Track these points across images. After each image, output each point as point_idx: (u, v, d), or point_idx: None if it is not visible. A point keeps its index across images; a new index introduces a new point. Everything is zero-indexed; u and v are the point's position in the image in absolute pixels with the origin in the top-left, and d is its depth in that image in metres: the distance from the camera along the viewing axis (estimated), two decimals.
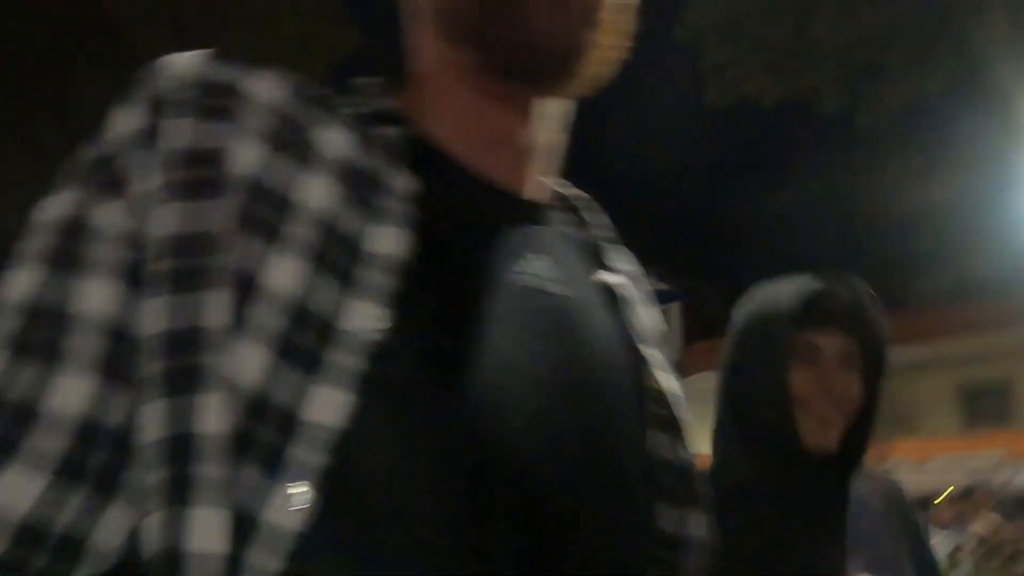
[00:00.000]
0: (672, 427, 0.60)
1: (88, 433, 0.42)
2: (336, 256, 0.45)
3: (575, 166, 0.65)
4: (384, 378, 0.44)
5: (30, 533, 0.40)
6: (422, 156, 0.52)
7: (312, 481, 0.41)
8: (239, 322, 0.42)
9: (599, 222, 0.64)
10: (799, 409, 1.09)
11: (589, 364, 0.54)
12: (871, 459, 1.16)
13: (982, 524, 4.40)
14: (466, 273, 0.51)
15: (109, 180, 0.46)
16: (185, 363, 0.41)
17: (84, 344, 0.43)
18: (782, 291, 1.14)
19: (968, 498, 5.67)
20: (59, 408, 0.41)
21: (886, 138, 8.37)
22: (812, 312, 1.11)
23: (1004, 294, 11.45)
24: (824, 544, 1.10)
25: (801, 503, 1.09)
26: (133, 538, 0.42)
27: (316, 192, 0.47)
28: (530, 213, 0.57)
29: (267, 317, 0.43)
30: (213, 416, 0.41)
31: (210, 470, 0.40)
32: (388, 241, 0.47)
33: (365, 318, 0.44)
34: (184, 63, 0.49)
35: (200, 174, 0.45)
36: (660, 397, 0.60)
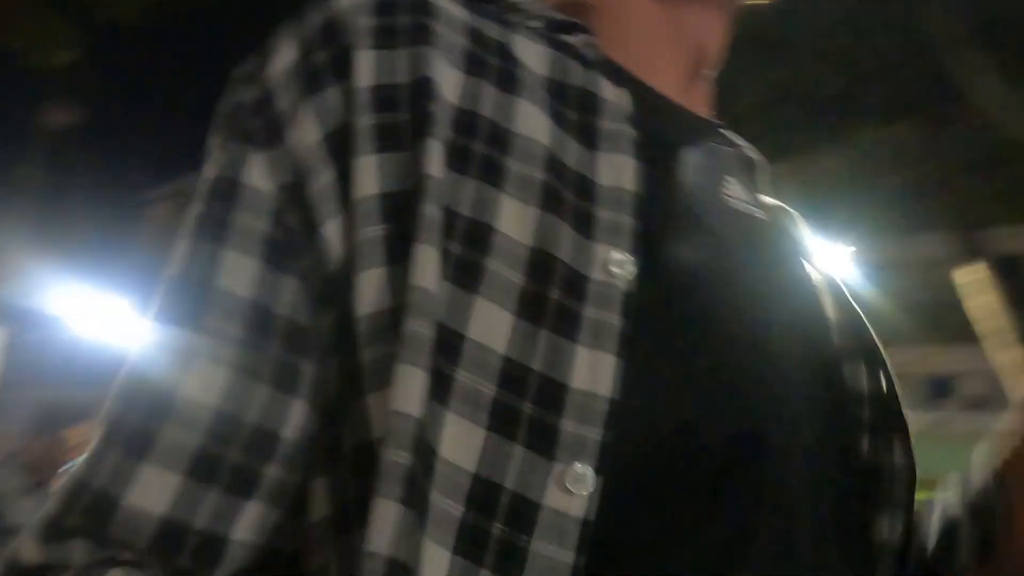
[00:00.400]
0: (875, 355, 0.54)
1: (223, 427, 0.37)
2: (568, 192, 0.39)
3: None
4: (645, 334, 0.38)
5: (171, 530, 0.36)
6: (612, 73, 0.46)
7: (593, 461, 0.35)
8: (469, 280, 0.36)
9: (743, 142, 0.59)
10: None
11: (805, 289, 0.51)
12: None
13: None
14: (694, 201, 0.45)
15: (268, 126, 0.40)
16: (390, 349, 0.35)
17: (226, 329, 0.38)
18: None
19: None
20: (192, 398, 0.37)
21: None
22: None
23: None
24: None
25: None
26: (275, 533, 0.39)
27: (533, 119, 0.40)
28: (713, 134, 0.53)
29: (505, 267, 0.37)
30: (415, 395, 0.34)
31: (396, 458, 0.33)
32: (621, 172, 0.41)
33: (615, 265, 0.38)
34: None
35: (397, 115, 0.39)
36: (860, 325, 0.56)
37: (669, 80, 0.51)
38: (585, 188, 0.40)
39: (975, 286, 6.15)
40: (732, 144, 0.56)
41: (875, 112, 7.60)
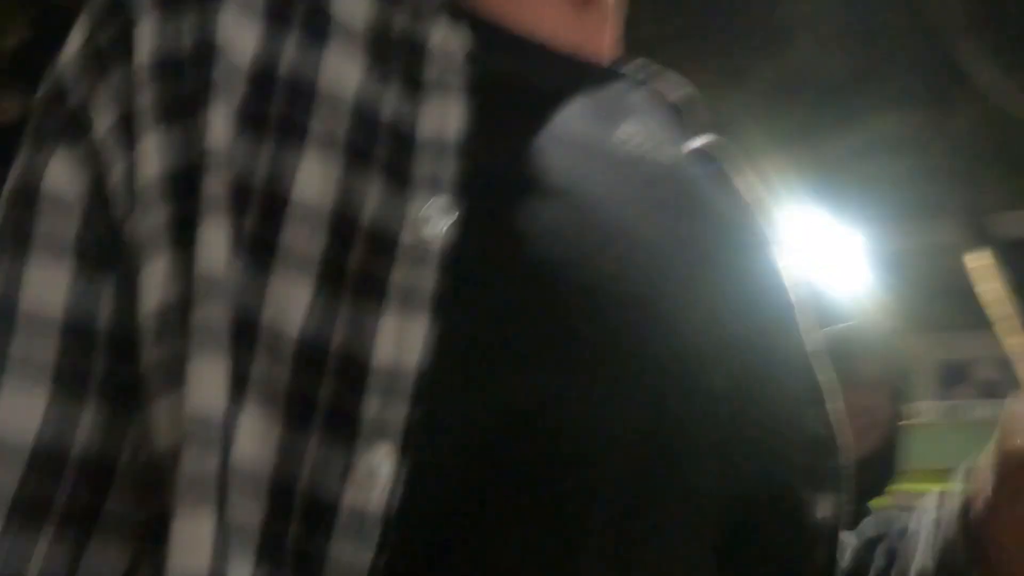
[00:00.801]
0: (795, 319, 0.50)
1: (46, 464, 0.34)
2: (380, 147, 0.37)
3: None
4: (469, 293, 0.34)
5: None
6: (472, 23, 0.44)
7: (396, 444, 0.32)
8: (264, 258, 0.34)
9: (674, 83, 0.55)
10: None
11: (720, 240, 0.46)
12: None
13: None
14: (551, 144, 0.41)
15: (64, 122, 0.37)
16: (178, 346, 0.32)
17: (34, 350, 0.34)
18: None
19: None
20: (5, 437, 0.33)
21: None
22: (850, 344, 1.31)
23: None
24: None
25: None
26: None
27: (341, 72, 0.38)
28: (614, 79, 0.49)
29: (302, 239, 0.34)
30: (211, 393, 0.31)
31: (246, 466, 0.31)
32: (443, 117, 0.38)
33: (429, 220, 0.35)
34: None
35: (179, 86, 0.36)
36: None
37: (554, 22, 0.48)
38: (402, 141, 0.38)
39: (985, 272, 6.15)
40: (640, 83, 0.52)
41: (886, 98, 7.59)
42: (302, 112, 0.37)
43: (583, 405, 0.35)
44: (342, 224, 0.35)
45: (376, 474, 0.32)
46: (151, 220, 0.35)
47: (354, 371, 0.33)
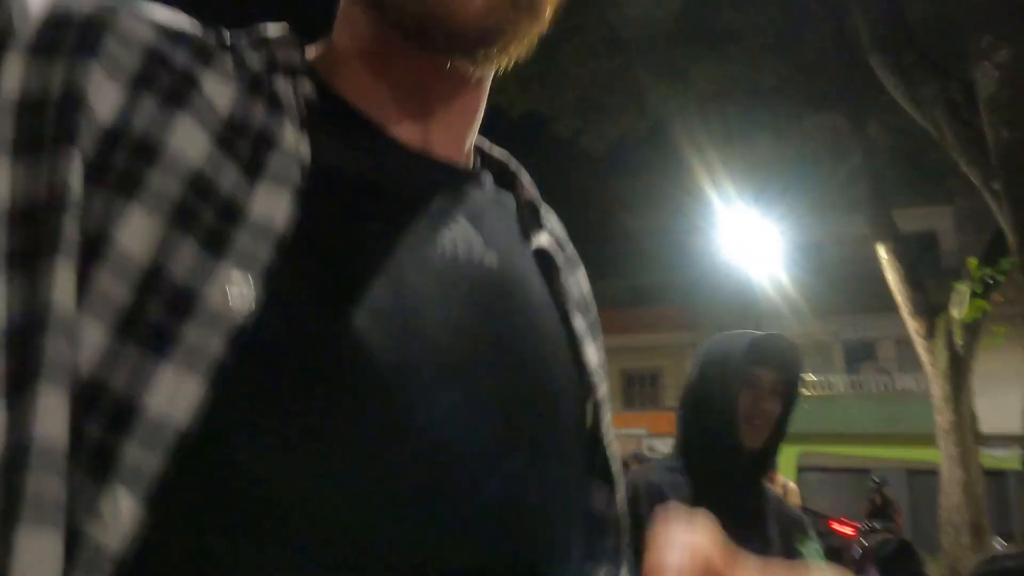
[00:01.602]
0: (593, 403, 0.52)
1: None
2: (206, 215, 0.37)
3: None
4: (256, 368, 0.36)
5: None
6: (330, 115, 0.45)
7: (142, 491, 0.33)
8: (81, 295, 0.34)
9: (527, 182, 0.57)
10: (741, 421, 1.57)
11: (523, 338, 0.47)
12: None
13: None
14: (373, 245, 0.42)
15: None
16: (23, 357, 0.33)
17: None
18: (734, 339, 1.66)
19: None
20: None
21: (601, 163, 10.08)
22: (757, 354, 1.60)
23: (664, 302, 15.34)
24: (751, 512, 1.60)
25: (738, 484, 1.58)
26: None
27: (190, 137, 0.38)
28: (459, 179, 0.50)
29: (110, 285, 0.34)
30: (52, 419, 0.32)
31: (43, 486, 0.31)
32: (272, 203, 0.39)
33: (233, 292, 0.36)
34: None
35: (38, 125, 0.36)
36: (584, 373, 0.52)
37: (424, 124, 0.49)
38: (230, 213, 0.38)
39: (891, 261, 6.87)
40: (497, 186, 0.54)
41: (808, 104, 8.18)
42: (143, 167, 0.37)
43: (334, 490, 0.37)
44: (152, 274, 0.35)
45: (117, 515, 0.32)
46: None
47: (125, 415, 0.33)
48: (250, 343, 0.36)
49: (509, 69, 0.50)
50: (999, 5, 4.34)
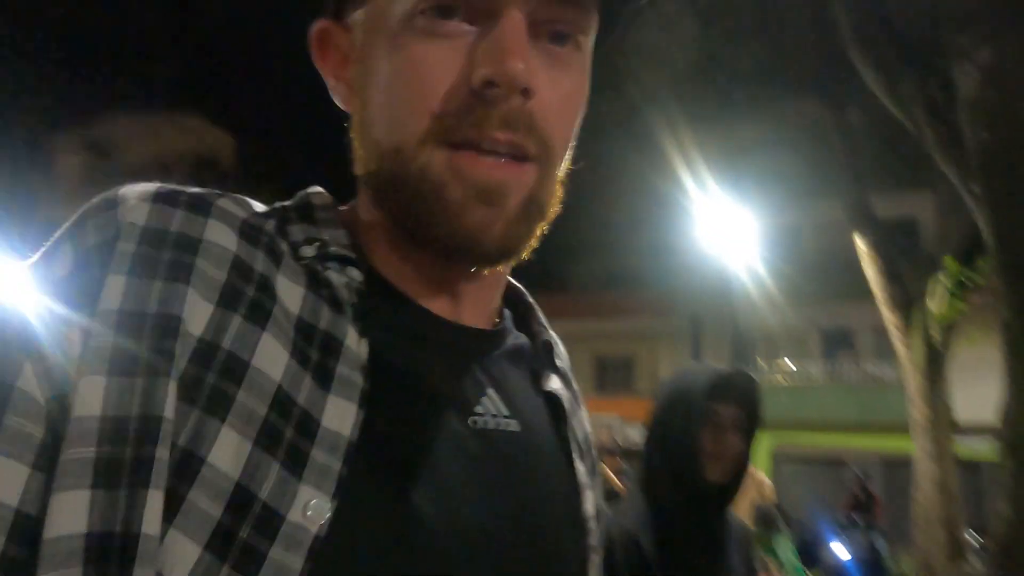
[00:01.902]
0: (585, 552, 0.56)
1: None
2: (287, 433, 0.40)
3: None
4: None
5: None
6: (378, 300, 0.49)
7: None
8: (172, 511, 0.37)
9: (542, 320, 0.61)
10: (705, 456, 1.59)
11: (539, 505, 0.51)
12: None
13: (608, 465, 5.58)
14: (422, 439, 0.46)
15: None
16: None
17: None
18: (696, 374, 1.67)
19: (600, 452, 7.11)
20: None
21: (578, 146, 10.32)
22: (718, 390, 1.62)
23: (638, 287, 15.21)
24: (717, 544, 1.64)
25: (703, 515, 1.61)
26: None
27: (272, 355, 0.41)
28: (485, 344, 0.54)
29: (204, 505, 0.37)
30: None
31: None
32: (344, 418, 0.42)
33: (312, 510, 0.39)
34: (132, 204, 0.43)
35: (136, 342, 0.39)
36: (581, 522, 0.57)
37: (438, 296, 0.52)
38: (307, 427, 0.41)
39: (869, 253, 6.79)
40: (508, 340, 0.57)
41: (788, 90, 8.08)
42: (232, 387, 0.39)
43: None
44: (242, 495, 0.38)
45: None
46: (77, 453, 0.37)
47: None
48: (325, 555, 0.39)
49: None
50: (982, 4, 4.21)
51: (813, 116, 7.94)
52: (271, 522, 0.39)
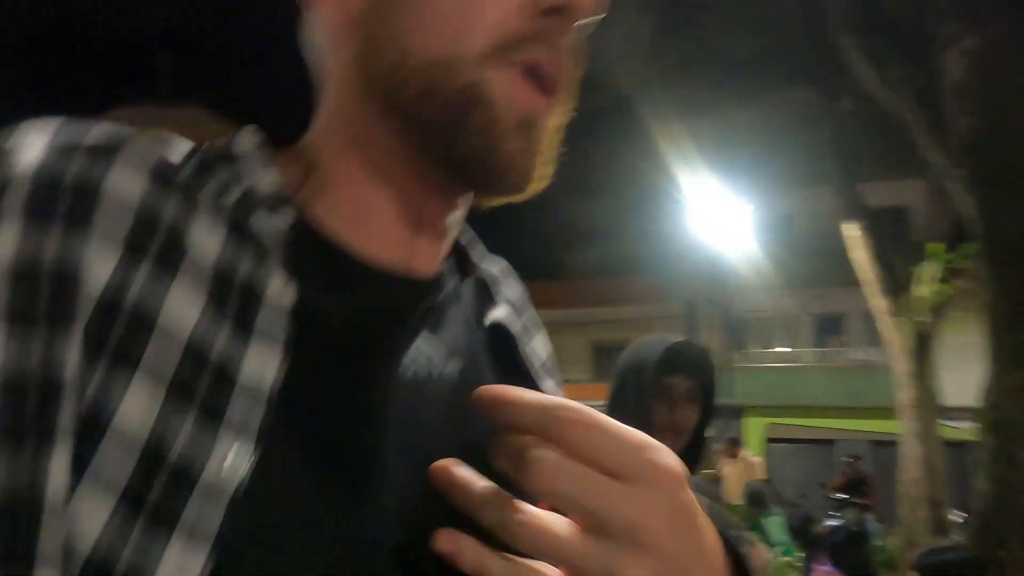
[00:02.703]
0: None
1: None
2: (202, 384, 0.38)
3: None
4: (252, 534, 0.37)
5: None
6: (310, 249, 0.46)
7: None
8: (79, 470, 0.35)
9: (477, 256, 0.59)
10: (657, 431, 1.55)
11: (477, 452, 0.46)
12: None
13: None
14: (346, 386, 0.44)
15: None
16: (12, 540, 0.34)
17: None
18: (648, 347, 1.66)
19: None
20: None
21: (570, 135, 10.37)
22: (669, 362, 1.60)
23: (633, 274, 15.22)
24: None
25: None
26: None
27: (183, 305, 0.39)
28: (425, 291, 0.51)
29: (113, 462, 0.35)
30: None
31: None
32: (263, 363, 0.40)
33: (229, 463, 0.37)
34: (25, 147, 0.40)
35: (32, 298, 0.37)
36: None
37: (388, 239, 0.49)
38: (224, 379, 0.39)
39: (859, 239, 6.91)
40: (450, 283, 0.54)
41: (779, 78, 8.15)
42: (139, 341, 0.38)
43: None
44: (153, 452, 0.36)
45: None
46: None
47: None
48: (246, 509, 0.37)
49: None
50: None
51: (806, 104, 8.04)
52: (186, 478, 0.37)
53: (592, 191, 10.63)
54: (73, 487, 0.35)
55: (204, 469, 0.37)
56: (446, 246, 0.54)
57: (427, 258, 0.52)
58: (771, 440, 13.28)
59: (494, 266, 0.61)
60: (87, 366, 0.37)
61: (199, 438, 0.37)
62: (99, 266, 0.38)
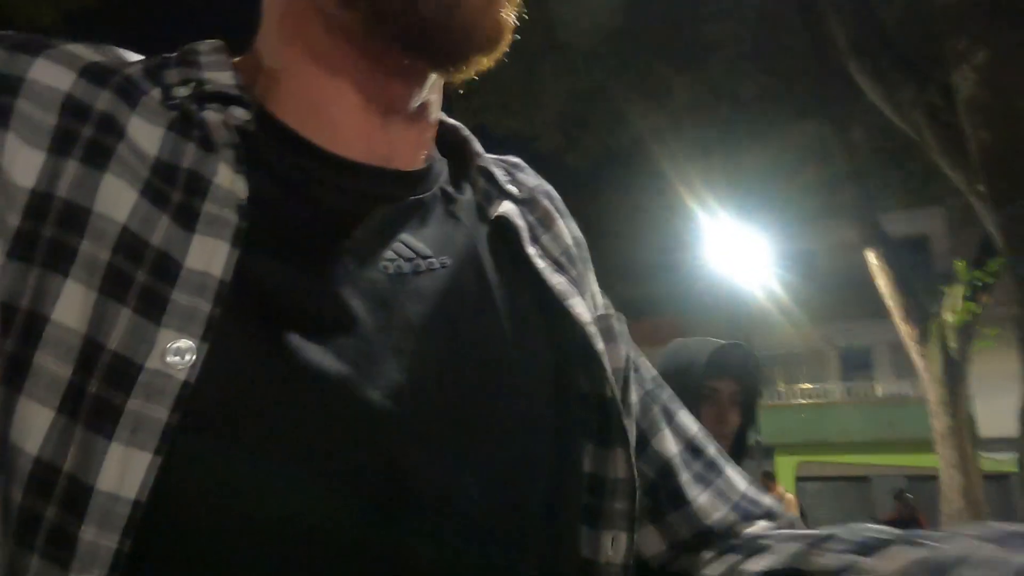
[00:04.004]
0: (590, 359, 0.49)
1: None
2: (139, 278, 0.36)
3: None
4: (207, 430, 0.35)
5: None
6: (268, 142, 0.44)
7: (103, 571, 0.32)
8: (17, 378, 0.34)
9: (477, 149, 0.55)
10: None
11: (475, 338, 0.45)
12: None
13: None
14: (314, 282, 0.41)
15: None
16: None
17: None
18: (694, 348, 1.63)
19: None
20: None
21: (587, 178, 10.32)
22: (716, 365, 1.58)
23: (654, 316, 14.83)
24: None
25: None
26: None
27: (116, 196, 0.37)
28: (405, 185, 0.48)
29: (51, 366, 0.34)
30: None
31: None
32: (212, 257, 0.37)
33: (175, 354, 0.35)
34: None
35: None
36: (576, 328, 0.49)
37: (354, 133, 0.46)
38: (165, 269, 0.37)
39: (881, 267, 6.84)
40: (438, 181, 0.50)
41: (790, 112, 8.18)
42: (72, 237, 0.36)
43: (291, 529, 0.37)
44: (91, 349, 0.34)
45: None
46: None
47: (78, 494, 0.33)
48: (197, 403, 0.35)
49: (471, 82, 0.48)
50: (975, 6, 4.32)
51: (819, 137, 8.05)
52: (125, 372, 0.35)
53: (609, 234, 10.67)
54: (17, 393, 0.34)
55: (145, 362, 0.35)
56: (427, 136, 0.50)
57: (405, 148, 0.48)
58: (802, 479, 12.97)
59: (505, 160, 0.58)
60: (19, 266, 0.35)
61: (138, 331, 0.35)
62: (25, 162, 0.37)
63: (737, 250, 9.99)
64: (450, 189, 0.51)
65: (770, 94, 7.94)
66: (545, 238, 0.55)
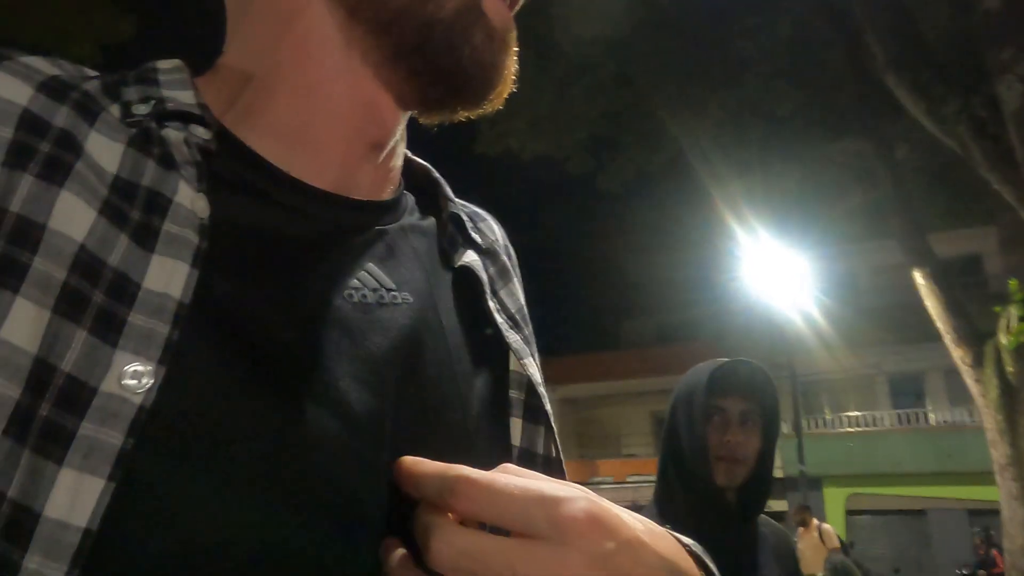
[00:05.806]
0: (539, 416, 0.52)
1: None
2: (95, 299, 0.35)
3: None
4: (163, 455, 0.34)
5: None
6: (231, 163, 0.43)
7: None
8: None
9: (448, 195, 0.56)
10: (713, 457, 1.43)
11: (428, 377, 0.46)
12: (579, 476, 1.52)
13: None
14: (275, 308, 0.40)
15: None
16: None
17: None
18: (700, 370, 1.50)
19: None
20: None
21: (617, 202, 10.09)
22: (719, 383, 1.46)
23: (692, 340, 14.76)
24: (739, 557, 1.44)
25: (714, 527, 1.38)
26: None
27: (72, 213, 0.36)
28: (369, 215, 0.48)
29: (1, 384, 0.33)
30: None
31: None
32: (171, 278, 0.37)
33: (132, 377, 0.34)
34: None
35: None
36: (525, 384, 0.51)
37: (327, 158, 0.46)
38: (122, 289, 0.36)
39: (930, 289, 6.55)
40: (405, 215, 0.51)
41: (830, 130, 7.98)
42: (25, 254, 0.35)
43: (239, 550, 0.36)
44: (42, 371, 0.33)
45: None
46: None
47: (25, 523, 0.32)
48: (154, 428, 0.35)
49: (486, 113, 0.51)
50: (1018, 16, 4.13)
51: (860, 155, 7.81)
52: (79, 395, 0.34)
53: (646, 258, 10.51)
54: None
55: (100, 385, 0.34)
56: (395, 169, 0.52)
57: (373, 179, 0.50)
58: (853, 512, 12.44)
59: (468, 207, 0.60)
60: None
61: (93, 354, 0.35)
62: None
63: (777, 272, 9.75)
64: (417, 223, 0.52)
65: (807, 111, 7.74)
66: (503, 293, 0.57)
